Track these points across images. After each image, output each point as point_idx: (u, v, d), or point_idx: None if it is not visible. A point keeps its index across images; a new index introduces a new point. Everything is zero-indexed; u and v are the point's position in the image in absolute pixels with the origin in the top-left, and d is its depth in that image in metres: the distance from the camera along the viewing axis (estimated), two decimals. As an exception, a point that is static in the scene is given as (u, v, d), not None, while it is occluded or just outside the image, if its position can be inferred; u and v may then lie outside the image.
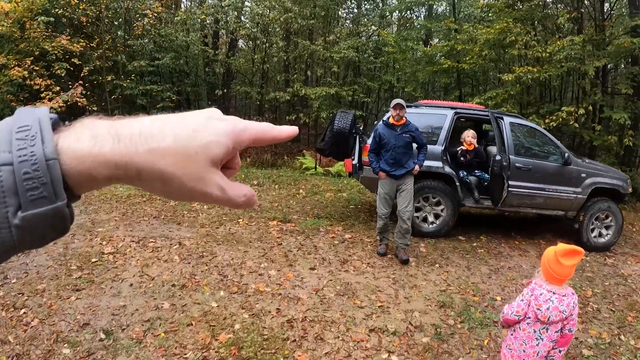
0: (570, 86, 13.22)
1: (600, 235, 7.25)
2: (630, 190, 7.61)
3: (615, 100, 11.89)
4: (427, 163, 6.78)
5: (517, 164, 6.84)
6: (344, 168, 7.33)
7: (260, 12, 12.88)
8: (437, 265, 5.92)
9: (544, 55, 10.19)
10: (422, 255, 6.22)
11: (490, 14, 12.91)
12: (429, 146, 6.86)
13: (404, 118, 5.75)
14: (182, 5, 16.44)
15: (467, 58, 11.43)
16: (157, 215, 7.01)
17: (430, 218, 7.03)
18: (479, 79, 14.60)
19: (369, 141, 6.12)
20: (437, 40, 16.25)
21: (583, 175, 7.16)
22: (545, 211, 7.27)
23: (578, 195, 7.08)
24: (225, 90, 14.34)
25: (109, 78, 11.67)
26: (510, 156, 6.80)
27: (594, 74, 10.31)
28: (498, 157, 6.53)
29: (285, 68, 15.32)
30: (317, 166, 7.97)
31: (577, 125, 10.24)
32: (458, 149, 7.30)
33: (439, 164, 6.90)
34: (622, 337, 4.50)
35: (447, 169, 6.93)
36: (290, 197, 8.86)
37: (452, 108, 7.23)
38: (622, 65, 11.85)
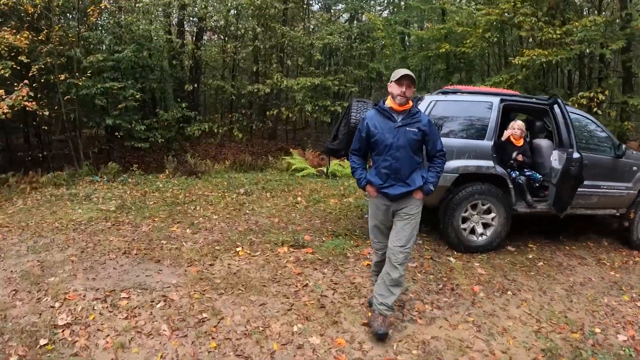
0: (579, 70, 11.89)
1: None
2: None
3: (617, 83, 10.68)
4: (475, 162, 5.14)
5: None
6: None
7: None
8: (509, 292, 4.43)
9: (555, 37, 8.71)
10: (485, 281, 4.62)
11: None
12: (476, 142, 5.23)
13: (410, 102, 3.42)
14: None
15: (468, 41, 9.78)
16: (127, 249, 4.94)
17: (479, 229, 5.36)
18: (475, 63, 13.04)
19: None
20: (418, 25, 14.64)
21: (634, 168, 5.94)
22: (598, 211, 5.96)
23: (630, 191, 5.93)
24: (195, 86, 12.11)
25: (62, 77, 9.30)
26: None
27: (611, 57, 8.99)
28: (576, 155, 4.89)
29: (261, 58, 13.25)
30: (327, 170, 5.90)
31: (599, 111, 8.84)
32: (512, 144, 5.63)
33: (489, 163, 5.19)
34: None
35: (499, 169, 5.25)
36: (290, 209, 6.91)
37: (496, 95, 5.53)
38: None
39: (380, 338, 3.32)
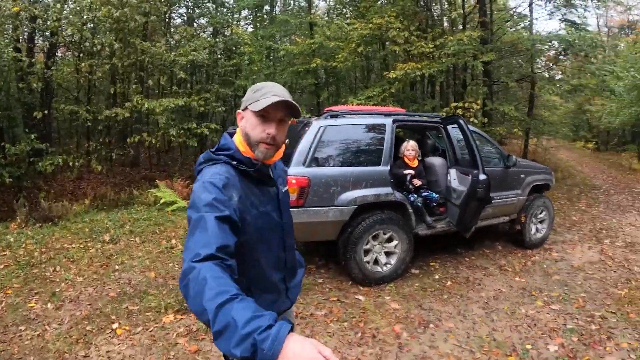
0: (446, 81, 12.54)
1: (537, 230, 6.59)
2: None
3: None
4: (374, 191, 4.83)
5: None
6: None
7: (90, 2, 9.22)
8: (431, 325, 4.20)
9: (428, 50, 8.98)
10: (402, 317, 4.31)
11: (347, 8, 11.46)
12: (372, 169, 4.92)
13: (282, 149, 1.82)
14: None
15: (339, 56, 9.65)
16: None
17: (383, 259, 5.07)
18: (344, 78, 13.03)
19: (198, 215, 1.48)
20: (286, 40, 14.32)
21: (522, 175, 6.27)
22: (493, 220, 6.09)
23: (520, 197, 6.24)
24: (46, 112, 10.31)
25: None
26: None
27: (482, 69, 9.62)
28: (483, 177, 4.80)
29: (119, 77, 11.85)
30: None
31: (476, 120, 9.29)
32: (406, 172, 5.43)
33: (388, 189, 4.91)
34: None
35: (398, 195, 5.00)
36: (165, 257, 5.96)
37: (388, 115, 5.29)
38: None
39: None
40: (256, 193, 1.70)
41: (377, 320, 4.20)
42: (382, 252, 5.06)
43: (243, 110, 1.71)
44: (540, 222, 6.59)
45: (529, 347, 3.83)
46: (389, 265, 5.07)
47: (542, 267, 5.82)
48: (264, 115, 1.64)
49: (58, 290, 4.89)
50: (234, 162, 1.66)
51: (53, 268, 5.54)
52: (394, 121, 5.15)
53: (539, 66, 13.61)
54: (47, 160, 9.59)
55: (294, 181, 4.44)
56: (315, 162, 4.64)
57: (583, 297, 4.85)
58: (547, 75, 12.89)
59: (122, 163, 13.46)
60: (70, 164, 9.90)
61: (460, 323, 4.23)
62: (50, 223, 7.70)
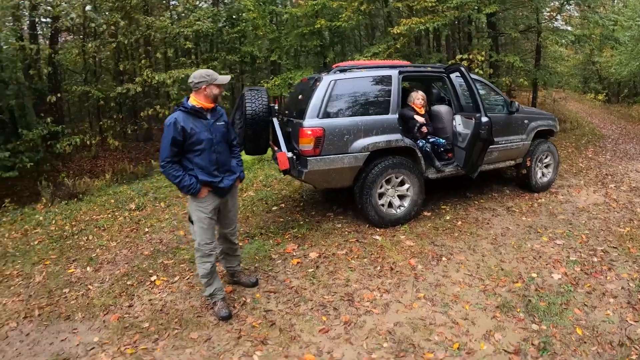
0: (452, 35, 12.67)
1: (543, 175, 6.95)
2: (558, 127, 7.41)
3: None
4: (384, 137, 5.19)
5: None
6: (278, 166, 5.25)
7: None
8: (443, 258, 4.59)
9: (429, 5, 9.18)
10: (417, 252, 4.73)
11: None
12: (381, 117, 5.26)
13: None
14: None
15: (343, 15, 9.88)
16: (27, 311, 3.97)
17: (396, 202, 5.45)
18: (349, 37, 13.20)
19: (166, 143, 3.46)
20: (286, 2, 14.44)
21: (526, 121, 6.56)
22: (499, 164, 6.42)
23: (524, 142, 6.52)
24: (58, 95, 10.72)
25: None
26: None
27: (486, 21, 9.79)
28: (485, 119, 5.14)
29: (124, 54, 12.15)
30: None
31: (481, 71, 9.54)
32: (416, 116, 5.79)
33: (397, 136, 5.26)
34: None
35: (408, 141, 5.35)
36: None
37: (393, 67, 5.61)
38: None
39: (255, 284, 4.14)
40: (196, 121, 3.51)
41: (393, 256, 4.61)
42: (396, 195, 5.43)
43: (207, 86, 3.52)
44: (546, 166, 6.92)
45: (534, 275, 4.20)
46: (402, 208, 5.45)
47: (548, 208, 6.17)
48: (220, 85, 3.62)
49: (94, 255, 5.22)
50: (183, 108, 3.49)
51: (86, 237, 5.87)
52: (400, 72, 5.46)
53: (545, 17, 13.67)
54: (64, 142, 10.01)
55: (309, 132, 4.81)
56: (328, 114, 4.98)
57: (586, 234, 5.22)
58: (552, 26, 12.95)
59: (136, 138, 13.89)
60: (88, 142, 10.34)
61: (470, 256, 4.63)
62: (75, 199, 8.08)
